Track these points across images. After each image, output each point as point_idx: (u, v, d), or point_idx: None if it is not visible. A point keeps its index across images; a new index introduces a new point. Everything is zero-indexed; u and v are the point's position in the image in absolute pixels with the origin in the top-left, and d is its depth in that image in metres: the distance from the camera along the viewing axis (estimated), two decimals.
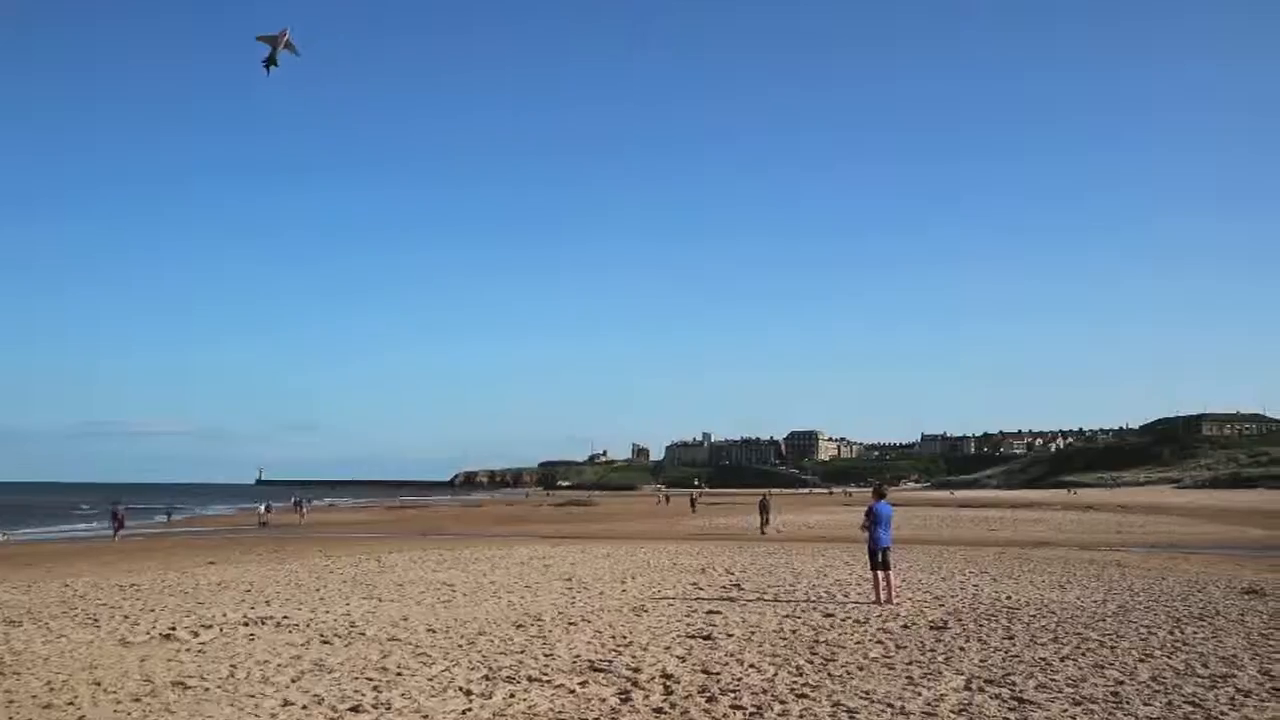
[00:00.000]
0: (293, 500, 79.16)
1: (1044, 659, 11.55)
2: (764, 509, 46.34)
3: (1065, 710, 8.95)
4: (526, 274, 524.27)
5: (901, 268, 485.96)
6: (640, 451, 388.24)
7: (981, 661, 11.41)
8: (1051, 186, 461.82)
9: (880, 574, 17.05)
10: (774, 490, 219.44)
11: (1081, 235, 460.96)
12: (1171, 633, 13.49)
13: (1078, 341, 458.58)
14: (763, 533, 43.05)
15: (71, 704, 9.73)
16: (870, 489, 19.07)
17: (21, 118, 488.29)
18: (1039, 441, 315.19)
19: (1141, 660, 11.45)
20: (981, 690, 9.84)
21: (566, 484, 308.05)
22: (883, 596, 16.81)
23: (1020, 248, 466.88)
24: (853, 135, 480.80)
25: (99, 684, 10.69)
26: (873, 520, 17.52)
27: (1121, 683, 10.18)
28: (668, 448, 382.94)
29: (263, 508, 69.72)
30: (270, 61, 21.06)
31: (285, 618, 15.70)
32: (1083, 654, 11.86)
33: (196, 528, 65.04)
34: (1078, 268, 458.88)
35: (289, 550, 35.17)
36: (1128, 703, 9.25)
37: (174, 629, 14.61)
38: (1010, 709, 9.03)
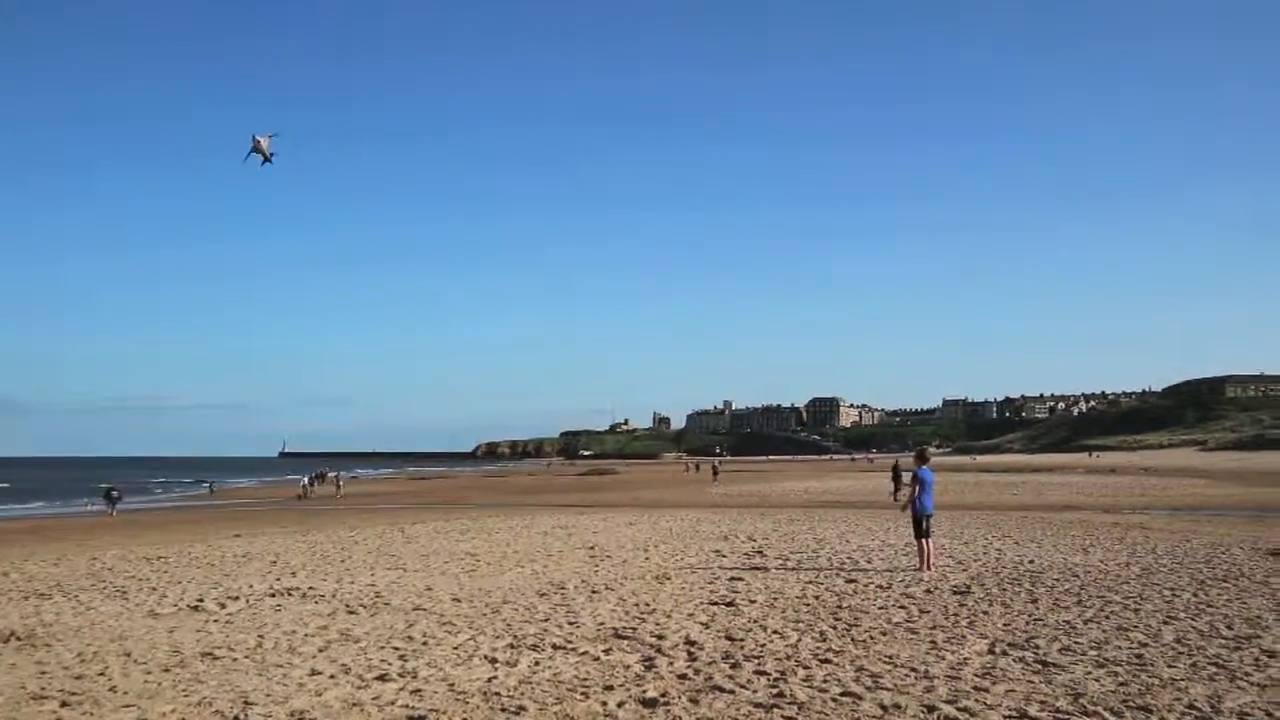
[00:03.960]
0: (314, 473, 79.35)
1: (1067, 622, 11.54)
2: (898, 476, 40.42)
3: (1089, 673, 8.94)
4: (546, 245, 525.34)
5: (916, 236, 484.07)
6: (661, 420, 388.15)
7: (1005, 625, 11.41)
8: (1078, 152, 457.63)
9: (925, 540, 16.59)
10: (799, 457, 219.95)
11: (1103, 202, 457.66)
12: (1195, 595, 13.46)
13: (1099, 305, 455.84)
14: (895, 499, 38.78)
15: (103, 674, 9.84)
16: (914, 455, 18.29)
17: (46, 91, 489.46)
18: (1061, 405, 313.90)
19: (1165, 623, 11.43)
20: (1005, 654, 9.85)
21: (588, 453, 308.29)
22: (930, 563, 16.48)
23: (1037, 212, 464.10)
24: (870, 111, 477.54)
25: (129, 655, 10.81)
26: (919, 486, 17.01)
27: (1145, 645, 10.16)
28: (689, 416, 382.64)
29: (305, 480, 69.97)
30: (260, 154, 21.49)
31: (311, 589, 15.83)
32: (1106, 617, 11.85)
33: (227, 500, 65.53)
34: (1097, 232, 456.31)
35: (313, 522, 35.45)
36: (1152, 665, 9.24)
37: (201, 600, 14.75)
38: (1034, 672, 9.03)
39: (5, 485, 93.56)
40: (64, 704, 8.68)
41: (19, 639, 11.92)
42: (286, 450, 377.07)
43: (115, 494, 51.28)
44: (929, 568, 16.36)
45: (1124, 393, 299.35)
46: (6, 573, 19.36)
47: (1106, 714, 7.61)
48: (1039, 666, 9.24)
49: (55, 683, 9.53)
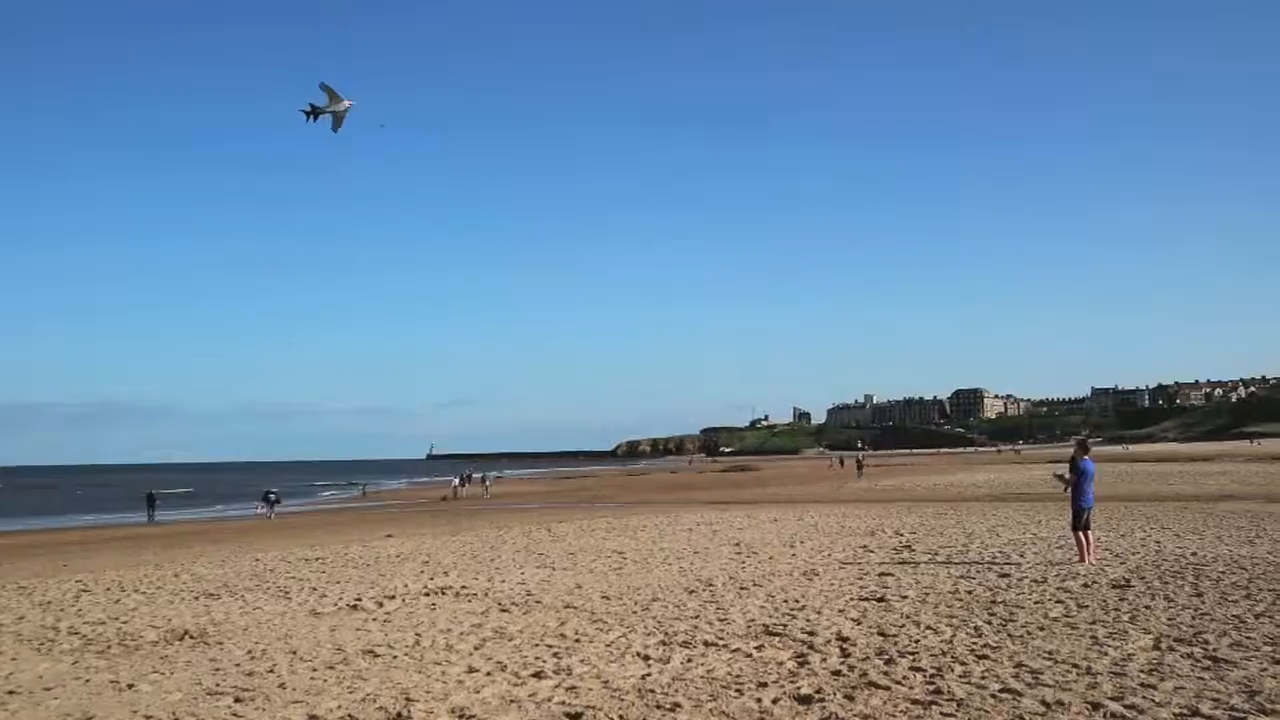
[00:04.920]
0: (463, 474, 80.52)
1: (1237, 616, 11.12)
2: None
3: (1264, 669, 8.60)
4: (683, 240, 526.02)
5: (1058, 223, 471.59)
6: (801, 415, 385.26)
7: (1170, 620, 11.05)
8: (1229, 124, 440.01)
9: (1084, 534, 16.36)
10: (942, 450, 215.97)
11: (1257, 173, 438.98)
12: None
13: (1256, 282, 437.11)
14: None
15: (271, 671, 10.21)
16: (1075, 445, 17.73)
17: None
18: (1218, 392, 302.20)
19: None
20: (1172, 649, 9.53)
21: (729, 450, 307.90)
22: (1089, 556, 16.15)
23: (1185, 192, 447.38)
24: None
25: (295, 652, 11.19)
26: (1080, 476, 16.67)
27: None
28: (829, 410, 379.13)
29: (456, 481, 70.94)
30: (314, 113, 20.60)
31: (464, 587, 16.15)
32: (1279, 611, 11.39)
33: (378, 502, 67.32)
34: (1256, 204, 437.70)
35: (462, 522, 36.14)
36: None
37: (360, 600, 15.17)
38: (1204, 668, 8.72)
39: (189, 490, 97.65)
40: (238, 699, 9.04)
41: (192, 637, 12.44)
42: (434, 453, 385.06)
43: (273, 497, 53.06)
44: (1085, 559, 15.97)
45: None
46: (178, 574, 20.20)
47: None
48: (1209, 663, 8.93)
49: (228, 679, 9.92)
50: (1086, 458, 17.00)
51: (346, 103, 20.85)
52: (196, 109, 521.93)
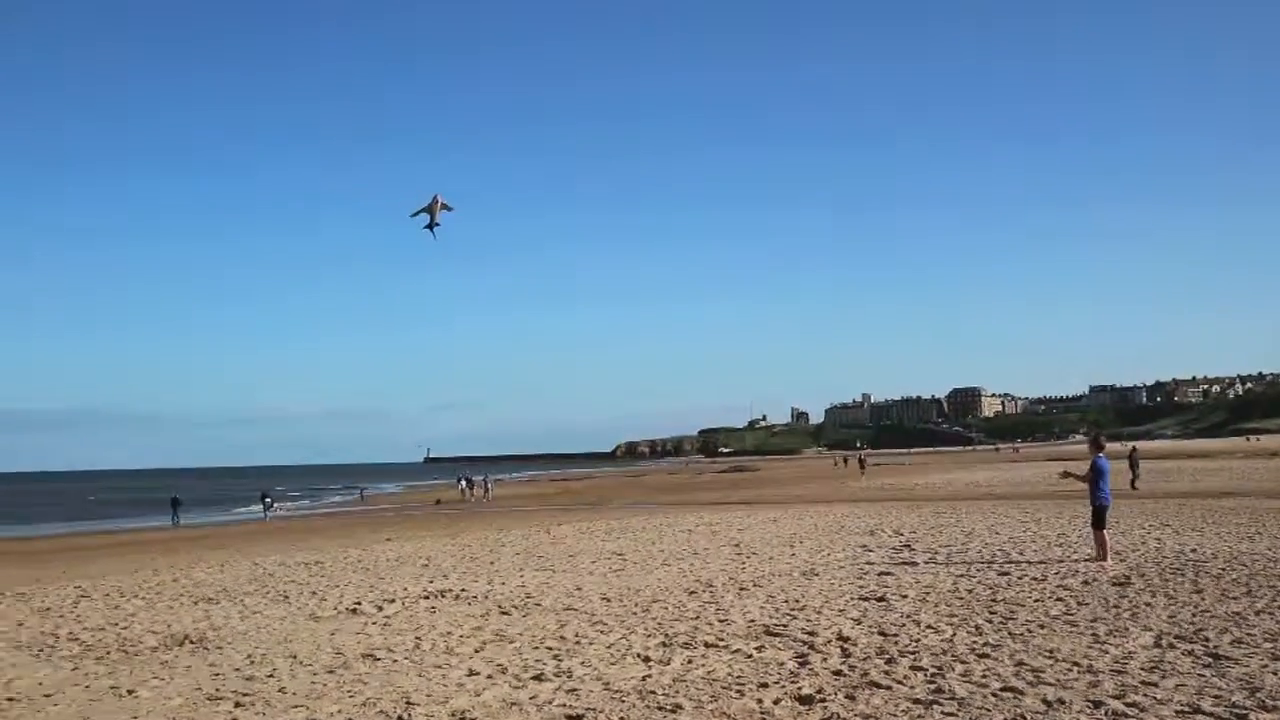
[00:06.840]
0: (462, 476, 79.92)
1: (1237, 613, 11.10)
2: (1135, 463, 41.06)
3: (1265, 665, 8.58)
4: (681, 240, 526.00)
5: (1060, 220, 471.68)
6: (800, 415, 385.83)
7: (1170, 617, 11.04)
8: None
9: (1102, 532, 16.17)
10: (940, 449, 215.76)
11: (1252, 167, 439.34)
12: None
13: (1256, 278, 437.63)
14: (1134, 486, 38.15)
15: (272, 676, 10.18)
16: (1089, 442, 17.66)
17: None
18: (1215, 388, 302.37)
19: None
20: (1173, 646, 9.52)
21: (728, 450, 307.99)
22: (1109, 556, 15.96)
23: (1182, 190, 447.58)
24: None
25: (295, 657, 11.16)
26: (1098, 475, 16.45)
27: None
28: (827, 410, 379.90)
29: (464, 484, 69.44)
30: (432, 225, 22.02)
31: (463, 590, 16.12)
32: (1279, 607, 11.37)
33: (376, 506, 67.24)
34: (1249, 201, 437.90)
35: (460, 525, 36.09)
36: None
37: (359, 604, 15.14)
38: (1205, 665, 8.71)
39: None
40: (238, 704, 9.01)
41: (192, 642, 12.41)
42: (431, 456, 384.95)
43: (269, 500, 52.94)
44: (1107, 559, 15.85)
45: None
46: (176, 579, 20.17)
47: None
48: (1210, 660, 8.91)
49: (228, 684, 9.89)
50: (1101, 455, 16.83)
51: (436, 199, 22.24)
52: (183, 114, 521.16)
